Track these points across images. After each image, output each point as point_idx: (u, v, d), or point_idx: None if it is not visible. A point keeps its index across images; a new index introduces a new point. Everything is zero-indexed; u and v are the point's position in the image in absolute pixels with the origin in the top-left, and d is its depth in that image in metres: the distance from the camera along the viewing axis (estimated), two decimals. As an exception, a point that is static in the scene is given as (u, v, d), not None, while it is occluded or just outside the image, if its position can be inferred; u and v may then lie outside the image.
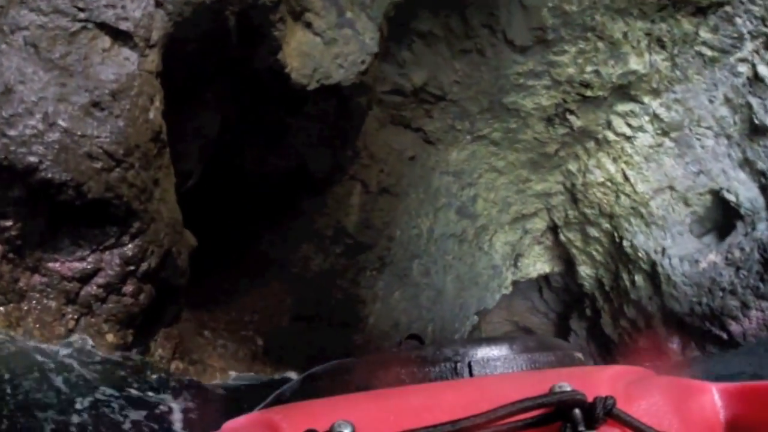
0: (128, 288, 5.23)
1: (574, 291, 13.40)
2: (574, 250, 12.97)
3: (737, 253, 10.31)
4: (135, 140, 5.06)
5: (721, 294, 10.42)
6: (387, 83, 11.69)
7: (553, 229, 13.25)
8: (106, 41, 5.07)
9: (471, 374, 1.02)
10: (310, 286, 11.26)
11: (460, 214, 12.96)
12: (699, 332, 10.83)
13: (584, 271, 12.94)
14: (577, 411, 0.77)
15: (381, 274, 11.96)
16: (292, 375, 10.72)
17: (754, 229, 10.27)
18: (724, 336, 10.41)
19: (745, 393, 0.89)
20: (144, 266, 5.32)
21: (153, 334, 6.51)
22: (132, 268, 5.20)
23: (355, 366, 1.13)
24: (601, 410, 0.77)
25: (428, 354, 1.05)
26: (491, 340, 1.10)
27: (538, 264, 13.54)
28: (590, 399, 0.78)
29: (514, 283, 13.55)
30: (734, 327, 10.28)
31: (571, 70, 11.83)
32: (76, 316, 5.01)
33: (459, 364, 1.03)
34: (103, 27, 5.06)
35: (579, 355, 1.19)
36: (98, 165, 4.78)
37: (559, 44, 11.65)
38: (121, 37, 5.16)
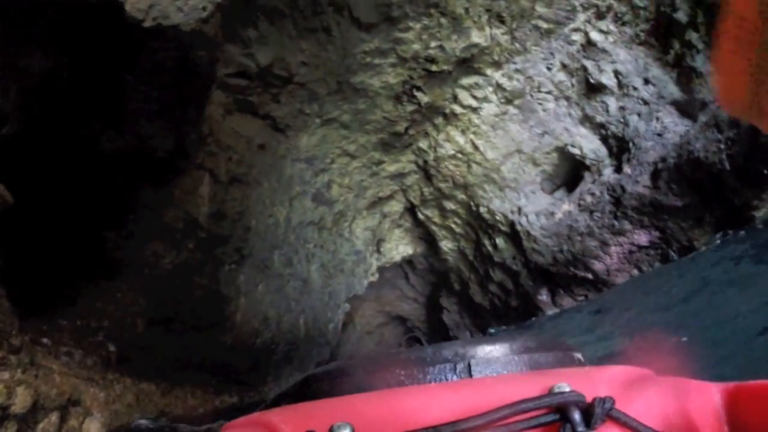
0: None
1: (439, 269, 13.31)
2: (433, 227, 12.93)
3: (589, 199, 10.82)
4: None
5: (579, 238, 10.82)
6: (232, 65, 11.01)
7: (411, 209, 13.15)
8: None
9: (470, 375, 1.01)
10: (164, 285, 10.02)
11: (317, 201, 12.42)
12: (565, 278, 11.13)
13: (446, 245, 12.91)
14: (576, 412, 0.78)
15: (241, 267, 10.98)
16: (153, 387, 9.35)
17: (600, 174, 10.86)
18: (589, 276, 10.79)
19: (746, 393, 0.89)
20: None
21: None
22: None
23: (354, 367, 1.10)
24: (600, 411, 0.77)
25: (427, 355, 1.03)
26: (491, 341, 1.08)
27: (401, 247, 13.31)
28: (589, 400, 0.79)
29: (380, 270, 13.17)
30: (597, 265, 10.69)
31: (416, 47, 11.96)
32: None
33: (458, 365, 1.01)
34: None
35: (578, 355, 1.20)
36: None
37: (404, 21, 11.74)
38: None
